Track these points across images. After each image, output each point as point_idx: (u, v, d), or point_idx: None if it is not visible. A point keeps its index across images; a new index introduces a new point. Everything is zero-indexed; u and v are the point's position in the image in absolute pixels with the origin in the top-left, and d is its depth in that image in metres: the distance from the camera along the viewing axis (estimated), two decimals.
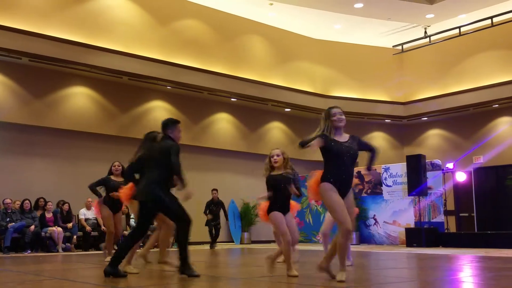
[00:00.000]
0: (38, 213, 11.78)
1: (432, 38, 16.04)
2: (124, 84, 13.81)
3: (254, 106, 16.23)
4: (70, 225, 11.89)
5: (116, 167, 8.57)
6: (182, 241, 5.49)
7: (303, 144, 4.94)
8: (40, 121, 12.57)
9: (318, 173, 4.99)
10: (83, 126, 13.15)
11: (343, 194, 4.82)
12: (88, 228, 12.12)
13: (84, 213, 12.41)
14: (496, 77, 15.78)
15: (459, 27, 15.22)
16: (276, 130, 16.97)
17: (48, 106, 12.68)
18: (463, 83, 16.60)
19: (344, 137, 5.02)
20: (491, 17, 14.43)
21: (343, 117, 5.05)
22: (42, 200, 11.95)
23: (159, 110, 14.56)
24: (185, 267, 5.42)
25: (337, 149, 4.89)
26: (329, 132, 5.01)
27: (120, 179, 8.30)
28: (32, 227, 11.28)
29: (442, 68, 17.32)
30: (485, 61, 16.31)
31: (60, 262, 8.86)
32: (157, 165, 5.55)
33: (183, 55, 14.40)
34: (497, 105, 15.99)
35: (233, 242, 15.46)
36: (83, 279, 6.00)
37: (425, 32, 16.19)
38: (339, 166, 4.85)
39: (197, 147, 14.89)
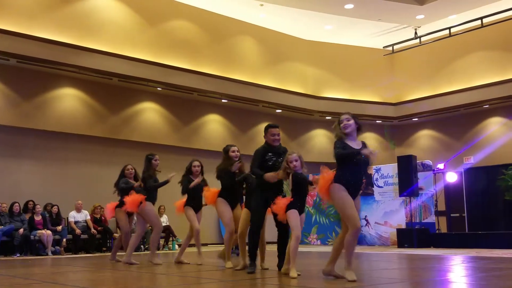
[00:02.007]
0: (27, 216, 11.66)
1: (423, 39, 16.09)
2: (114, 86, 13.72)
3: (245, 107, 16.20)
4: (59, 228, 11.78)
5: (130, 170, 8.69)
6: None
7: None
8: (29, 123, 12.46)
9: (327, 174, 5.10)
10: (72, 128, 13.05)
11: (353, 196, 5.00)
12: (77, 231, 12.01)
13: (74, 216, 12.30)
14: (487, 77, 15.85)
15: (449, 28, 15.27)
16: None
17: (37, 107, 12.57)
18: (453, 84, 16.66)
19: (357, 143, 5.15)
20: (481, 18, 14.49)
21: (350, 122, 5.13)
22: (31, 202, 11.84)
23: (149, 112, 14.49)
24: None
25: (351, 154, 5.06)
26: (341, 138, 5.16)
27: (133, 182, 8.48)
28: (21, 230, 11.17)
29: (433, 69, 17.38)
30: (475, 61, 16.38)
31: (49, 265, 8.78)
32: None
33: (173, 56, 14.33)
34: (487, 106, 16.06)
35: (223, 244, 15.38)
36: (73, 282, 5.93)
37: (416, 33, 16.24)
38: (352, 170, 5.01)
39: (188, 148, 14.83)
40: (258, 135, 16.73)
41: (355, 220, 4.89)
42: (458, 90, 16.42)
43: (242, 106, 16.08)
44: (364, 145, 5.16)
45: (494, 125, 16.21)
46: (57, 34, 12.34)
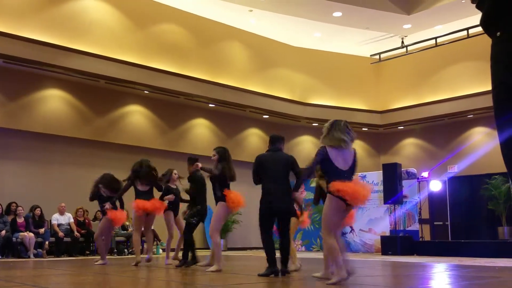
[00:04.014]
0: (9, 218, 11.52)
1: (409, 48, 16.21)
2: (101, 88, 13.65)
3: (232, 112, 16.19)
4: (42, 230, 11.64)
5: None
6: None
7: None
8: (13, 124, 12.33)
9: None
10: (57, 129, 12.95)
11: None
12: (60, 233, 11.89)
13: (57, 218, 12.18)
14: (471, 87, 16.02)
15: (436, 38, 15.41)
16: (254, 137, 16.96)
17: (22, 108, 12.46)
18: (439, 93, 16.82)
19: None
20: (467, 29, 14.64)
21: None
22: (14, 204, 11.70)
23: (135, 115, 14.43)
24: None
25: None
26: None
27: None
28: (3, 232, 11.04)
29: (419, 78, 17.53)
30: (460, 71, 16.55)
31: (31, 268, 8.68)
32: (286, 176, 6.20)
33: (161, 59, 14.30)
34: (471, 115, 16.22)
35: (209, 248, 15.34)
36: (55, 285, 5.87)
37: (402, 42, 16.37)
38: None
39: (174, 152, 14.78)
40: (245, 140, 16.74)
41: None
42: (443, 100, 16.59)
43: (229, 111, 16.08)
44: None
45: (478, 135, 16.39)
46: (44, 35, 12.26)
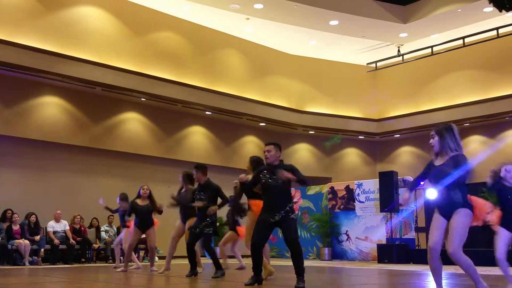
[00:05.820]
0: (4, 225, 11.47)
1: (405, 56, 16.31)
2: (97, 95, 13.64)
3: (229, 120, 16.20)
4: (37, 237, 11.60)
5: (145, 190, 8.82)
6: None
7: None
8: (9, 131, 12.29)
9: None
10: (53, 136, 12.91)
11: (447, 217, 4.76)
12: (56, 241, 11.84)
13: (53, 226, 12.13)
14: (467, 96, 16.08)
15: (432, 47, 15.51)
16: (251, 144, 16.95)
17: (18, 115, 12.43)
18: (435, 102, 16.87)
19: (443, 159, 4.83)
20: (463, 38, 14.75)
21: (433, 140, 4.87)
22: (9, 211, 11.65)
23: (132, 122, 14.42)
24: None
25: (431, 174, 4.90)
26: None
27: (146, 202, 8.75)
28: None
29: (415, 87, 17.60)
30: (456, 80, 16.62)
31: (26, 275, 8.64)
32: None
33: (158, 67, 14.31)
34: (468, 124, 16.27)
35: (204, 256, 15.27)
36: None
37: (398, 51, 16.45)
38: (437, 190, 4.80)
39: (171, 160, 14.77)
40: (242, 147, 16.73)
41: (430, 241, 4.70)
42: (439, 108, 16.63)
43: (226, 119, 16.09)
44: (452, 159, 4.77)
45: (474, 143, 16.42)
46: (41, 42, 12.25)
